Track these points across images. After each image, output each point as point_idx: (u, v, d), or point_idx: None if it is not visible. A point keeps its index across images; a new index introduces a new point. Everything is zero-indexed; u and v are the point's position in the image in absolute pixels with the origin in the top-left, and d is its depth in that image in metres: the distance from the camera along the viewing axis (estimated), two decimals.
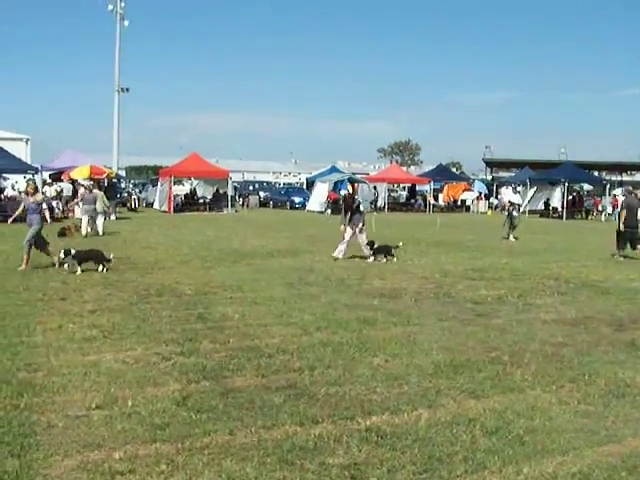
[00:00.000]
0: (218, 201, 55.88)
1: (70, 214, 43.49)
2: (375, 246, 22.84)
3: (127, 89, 72.00)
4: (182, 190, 61.95)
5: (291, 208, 62.24)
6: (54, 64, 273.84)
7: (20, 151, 56.19)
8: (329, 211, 54.35)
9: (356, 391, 8.92)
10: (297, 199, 64.20)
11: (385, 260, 22.55)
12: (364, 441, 7.27)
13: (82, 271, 18.42)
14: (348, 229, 23.30)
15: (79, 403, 8.34)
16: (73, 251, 18.56)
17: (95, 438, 7.25)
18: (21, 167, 44.68)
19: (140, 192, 66.89)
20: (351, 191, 56.05)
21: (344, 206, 24.00)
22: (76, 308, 14.04)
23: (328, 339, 11.56)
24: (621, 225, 25.77)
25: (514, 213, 32.50)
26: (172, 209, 52.06)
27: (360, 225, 23.31)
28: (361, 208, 24.06)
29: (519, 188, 36.58)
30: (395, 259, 22.64)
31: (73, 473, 6.42)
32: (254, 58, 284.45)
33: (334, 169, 68.56)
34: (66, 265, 18.20)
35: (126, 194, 62.96)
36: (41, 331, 12.06)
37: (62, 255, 18.66)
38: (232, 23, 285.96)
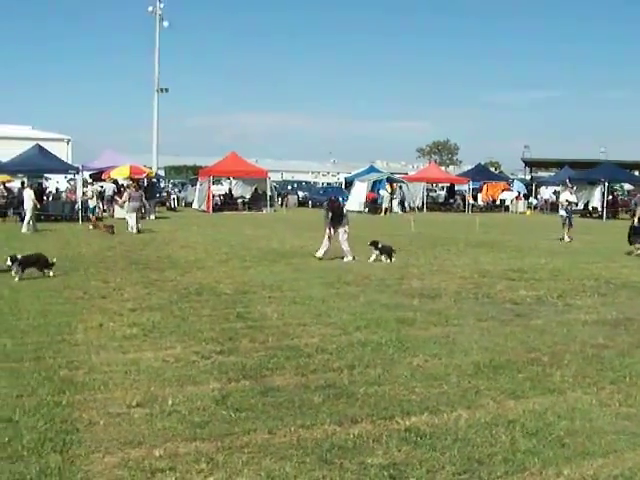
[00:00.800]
0: (257, 201, 55.98)
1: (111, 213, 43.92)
2: (380, 246, 22.53)
3: (166, 89, 72.47)
4: (221, 190, 62.12)
5: None
6: (94, 65, 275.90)
7: (61, 151, 56.83)
8: (367, 210, 54.30)
9: (395, 391, 8.89)
10: None
11: (388, 260, 22.13)
12: (403, 441, 7.24)
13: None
14: (329, 231, 23.13)
15: (120, 401, 8.41)
16: (19, 257, 18.02)
17: (136, 436, 7.30)
18: (63, 167, 45.16)
19: (179, 192, 67.17)
20: (389, 190, 56.60)
21: (329, 210, 23.48)
22: (116, 306, 14.16)
23: (367, 339, 11.54)
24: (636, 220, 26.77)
25: (568, 213, 32.07)
26: (211, 208, 52.25)
27: (345, 227, 23.08)
28: (344, 212, 24.24)
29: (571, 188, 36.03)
30: (394, 260, 22.21)
31: (114, 470, 6.47)
32: (293, 57, 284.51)
33: (372, 169, 68.41)
34: (13, 272, 17.65)
35: (165, 194, 63.35)
36: (82, 329, 12.18)
37: (9, 262, 17.78)
38: (270, 22, 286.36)
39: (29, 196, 34.64)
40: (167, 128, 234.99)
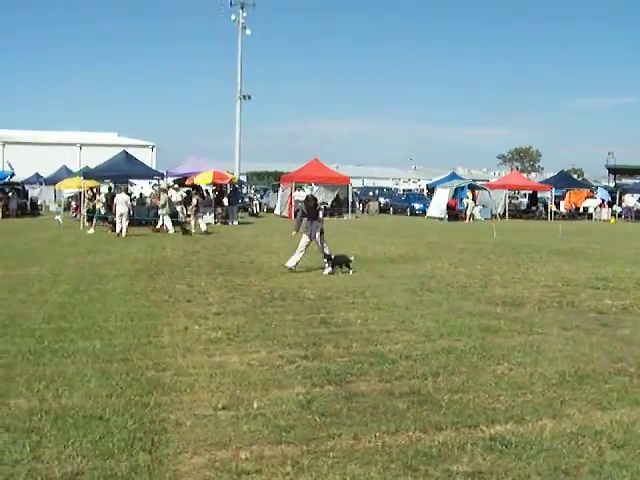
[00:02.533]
0: (338, 207, 56.13)
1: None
2: (332, 257, 20.73)
3: (249, 96, 73.25)
4: (302, 196, 62.37)
5: (411, 214, 62.10)
6: (178, 73, 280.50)
7: (146, 157, 57.83)
8: (447, 217, 54.03)
9: (480, 399, 8.81)
10: (417, 205, 64.00)
11: (342, 271, 20.43)
12: (488, 450, 7.16)
13: None
14: (304, 237, 21.35)
15: (206, 403, 8.51)
16: None
17: (222, 437, 7.38)
18: (148, 173, 46.03)
19: (261, 197, 67.76)
20: (471, 197, 56.19)
21: (303, 210, 22.00)
22: (201, 310, 14.34)
23: (451, 346, 11.46)
24: None
25: None
26: (293, 214, 52.49)
27: (318, 234, 21.27)
28: (320, 215, 22.21)
29: None
30: (351, 271, 20.43)
31: (202, 470, 6.56)
32: (374, 63, 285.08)
33: (454, 175, 68.12)
34: None
35: (247, 199, 63.92)
36: (168, 332, 12.37)
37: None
38: (352, 29, 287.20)
39: (124, 201, 35.70)
40: (249, 134, 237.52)
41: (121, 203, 35.59)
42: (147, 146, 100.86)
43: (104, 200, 39.71)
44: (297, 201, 55.97)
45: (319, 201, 58.35)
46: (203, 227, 37.20)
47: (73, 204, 53.32)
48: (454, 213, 54.55)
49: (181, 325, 12.85)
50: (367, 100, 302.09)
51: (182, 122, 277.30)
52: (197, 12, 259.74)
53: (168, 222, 37.22)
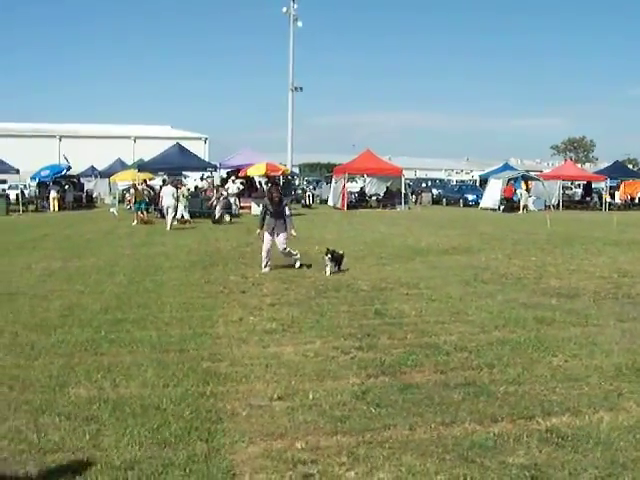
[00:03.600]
0: (391, 198, 55.98)
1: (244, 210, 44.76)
2: (333, 255, 18.53)
3: (301, 88, 73.21)
4: (355, 187, 62.42)
5: (464, 205, 61.73)
6: (230, 65, 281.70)
7: (199, 150, 58.22)
8: (502, 207, 53.58)
9: (535, 391, 8.75)
10: (470, 196, 63.60)
11: (338, 269, 18.64)
12: (544, 442, 7.11)
13: None
14: (266, 235, 19.11)
15: (262, 393, 8.57)
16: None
17: (278, 427, 7.42)
18: (201, 165, 46.40)
19: (314, 189, 67.84)
20: (524, 188, 55.53)
21: (266, 205, 19.54)
22: (255, 301, 14.42)
23: (506, 337, 11.39)
24: None
25: None
26: (345, 206, 52.51)
27: (283, 235, 19.10)
28: (287, 211, 19.76)
29: None
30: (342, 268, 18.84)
31: (258, 460, 6.61)
32: (428, 56, 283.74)
33: (507, 166, 67.69)
34: None
35: (300, 191, 64.06)
36: (223, 323, 12.46)
37: None
38: (404, 21, 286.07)
39: (171, 193, 35.28)
40: (302, 126, 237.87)
41: (167, 196, 35.33)
42: (200, 138, 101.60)
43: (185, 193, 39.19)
44: (350, 192, 56.11)
45: (372, 192, 58.87)
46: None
47: (127, 196, 53.91)
48: (510, 204, 53.95)
49: (236, 316, 12.94)
50: (421, 92, 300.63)
51: (234, 114, 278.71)
52: (248, 4, 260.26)
53: (186, 214, 37.20)
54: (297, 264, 19.27)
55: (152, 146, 70.02)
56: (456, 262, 20.97)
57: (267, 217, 19.26)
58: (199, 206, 41.41)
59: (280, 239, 19.02)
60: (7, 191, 56.85)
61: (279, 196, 19.42)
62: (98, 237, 30.23)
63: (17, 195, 54.09)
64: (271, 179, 40.25)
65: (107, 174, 65.55)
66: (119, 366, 9.63)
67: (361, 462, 6.56)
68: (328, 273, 18.12)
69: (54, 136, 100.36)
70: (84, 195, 61.32)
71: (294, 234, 19.52)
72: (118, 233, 32.04)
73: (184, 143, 48.11)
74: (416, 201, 63.59)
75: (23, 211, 50.95)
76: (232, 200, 44.13)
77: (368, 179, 62.40)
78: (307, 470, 6.39)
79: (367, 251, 23.52)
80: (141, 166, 46.16)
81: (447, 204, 64.64)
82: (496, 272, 18.81)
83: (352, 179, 62.45)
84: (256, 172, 48.30)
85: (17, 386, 8.85)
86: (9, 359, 10.10)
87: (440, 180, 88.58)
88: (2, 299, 14.73)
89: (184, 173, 55.07)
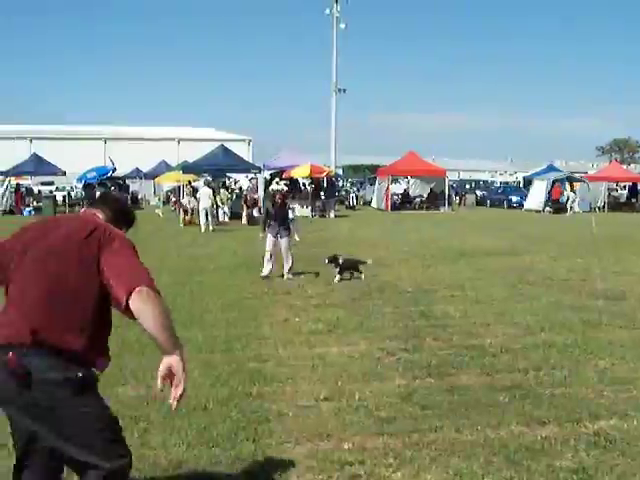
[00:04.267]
0: (434, 200, 55.82)
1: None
2: (340, 262, 17.77)
3: (344, 90, 73.14)
4: (399, 189, 62.28)
5: (508, 207, 61.29)
6: (273, 66, 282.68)
7: (243, 151, 58.41)
8: (548, 209, 53.15)
9: (582, 394, 8.66)
10: (514, 198, 63.10)
11: (350, 277, 17.85)
12: (592, 445, 7.04)
13: None
14: (269, 238, 18.51)
15: (308, 394, 8.60)
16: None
17: (324, 428, 7.44)
18: (246, 167, 46.53)
19: (358, 190, 67.85)
20: (569, 190, 55.07)
21: (268, 209, 19.12)
22: (300, 302, 14.48)
23: (552, 340, 11.30)
24: None
25: None
26: (389, 207, 52.45)
27: (285, 240, 18.53)
28: (291, 215, 19.20)
29: None
30: (362, 275, 17.91)
31: (305, 460, 6.62)
32: (471, 57, 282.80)
33: (551, 168, 66.92)
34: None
35: (344, 192, 64.12)
36: (268, 323, 12.52)
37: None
38: (448, 24, 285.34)
39: (207, 195, 34.99)
40: (345, 128, 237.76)
41: (204, 197, 34.90)
42: (243, 140, 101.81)
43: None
44: (394, 194, 56.04)
45: (415, 193, 58.72)
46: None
47: (172, 198, 54.28)
48: (556, 206, 53.45)
49: (281, 317, 13.01)
50: (464, 93, 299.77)
51: (278, 116, 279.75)
52: (292, 6, 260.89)
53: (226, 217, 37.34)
54: (289, 275, 18.17)
55: (196, 148, 70.27)
56: (501, 264, 20.86)
57: (271, 222, 18.49)
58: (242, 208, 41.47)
59: (284, 242, 18.42)
60: (54, 192, 57.40)
61: (283, 200, 19.02)
62: (143, 238, 30.34)
63: (64, 197, 54.72)
64: (287, 184, 40.50)
65: (152, 176, 66.06)
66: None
67: (408, 463, 6.56)
68: (336, 281, 17.23)
69: (100, 138, 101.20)
70: (129, 196, 61.84)
71: (297, 239, 19.10)
72: (163, 234, 32.23)
73: (228, 145, 48.22)
74: (460, 203, 63.35)
75: (70, 212, 51.47)
76: None
77: (412, 180, 62.17)
78: (354, 471, 6.40)
79: (411, 253, 23.47)
80: (186, 168, 46.40)
81: (491, 206, 64.25)
82: (541, 274, 18.68)
83: (396, 180, 62.30)
84: (300, 173, 48.40)
85: None
86: None
87: (484, 181, 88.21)
88: None
89: (228, 175, 55.32)
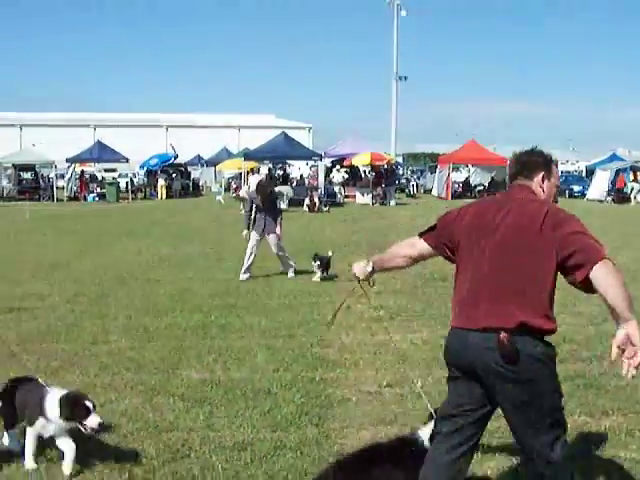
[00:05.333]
0: (495, 188, 55.33)
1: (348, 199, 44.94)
2: (321, 260, 16.35)
3: (405, 77, 73.03)
4: (459, 177, 61.90)
5: (570, 196, 60.48)
6: (333, 54, 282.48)
7: (303, 139, 58.55)
8: (610, 198, 52.37)
9: None
10: (576, 187, 62.29)
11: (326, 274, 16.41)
12: None
13: None
14: (253, 234, 16.54)
15: (371, 380, 8.66)
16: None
17: (387, 414, 7.50)
18: (306, 154, 46.66)
19: (418, 178, 67.64)
20: (632, 179, 54.17)
21: (253, 199, 16.88)
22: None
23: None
24: None
25: None
26: (450, 195, 52.16)
27: (275, 234, 16.56)
28: (278, 204, 17.80)
29: None
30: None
31: None
32: (532, 42, 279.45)
33: (614, 156, 65.92)
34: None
35: (404, 180, 63.96)
36: (331, 310, 12.55)
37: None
38: (506, 8, 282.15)
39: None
40: (405, 115, 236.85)
41: (254, 185, 34.52)
42: (304, 128, 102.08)
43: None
44: (454, 182, 55.71)
45: (476, 182, 58.28)
46: None
47: (233, 184, 54.65)
48: (620, 196, 52.61)
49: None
50: (525, 80, 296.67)
51: (338, 103, 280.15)
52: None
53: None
54: (290, 273, 16.68)
55: (256, 135, 70.91)
56: None
57: (257, 214, 16.50)
58: (304, 194, 41.60)
59: (272, 239, 16.55)
60: (117, 179, 58.17)
61: (270, 190, 17.19)
62: (205, 224, 30.79)
63: (127, 183, 55.45)
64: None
65: (213, 163, 66.60)
66: (229, 350, 9.87)
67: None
68: (317, 278, 16.00)
69: (161, 126, 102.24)
70: (191, 183, 62.38)
71: (278, 232, 16.63)
72: (224, 220, 32.48)
73: (288, 132, 48.37)
74: None
75: (132, 199, 52.17)
76: (337, 189, 44.39)
77: (472, 169, 61.75)
78: None
79: None
80: (247, 155, 46.66)
81: None
82: None
83: (456, 169, 61.92)
84: (361, 161, 48.39)
85: (132, 367, 9.14)
86: (124, 342, 10.42)
87: None
88: (116, 283, 15.19)
89: (288, 162, 55.51)
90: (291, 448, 6.54)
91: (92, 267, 17.75)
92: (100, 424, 5.94)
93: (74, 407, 5.89)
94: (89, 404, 5.94)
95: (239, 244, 17.33)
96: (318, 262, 16.12)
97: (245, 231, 16.98)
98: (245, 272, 16.05)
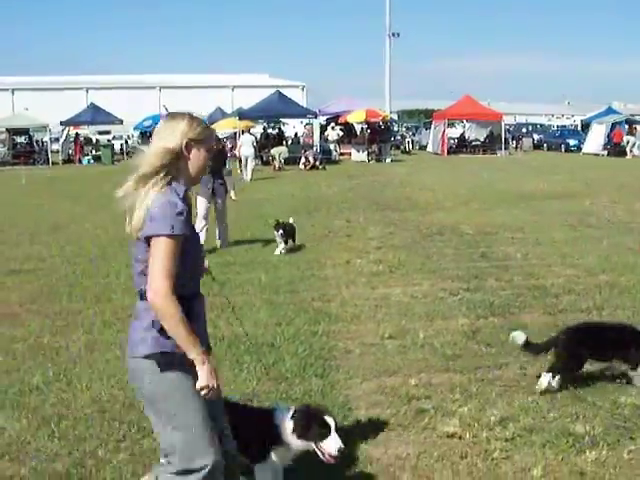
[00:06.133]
0: (491, 143, 55.26)
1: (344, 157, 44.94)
2: (284, 229, 14.06)
3: (397, 34, 72.44)
4: (455, 133, 61.70)
5: (566, 151, 60.37)
6: (325, 12, 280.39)
7: (297, 98, 58.29)
8: (607, 152, 52.27)
9: None
10: (572, 141, 62.07)
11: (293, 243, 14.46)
12: None
13: None
14: (200, 200, 14.38)
15: (373, 332, 8.75)
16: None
17: (390, 365, 7.59)
18: (301, 112, 46.50)
19: (413, 135, 67.46)
20: (628, 133, 54.08)
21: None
22: (361, 245, 14.58)
23: (614, 281, 11.24)
24: None
25: None
26: (445, 151, 52.08)
27: (224, 197, 14.95)
28: (228, 166, 16.63)
29: None
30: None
31: (373, 395, 6.78)
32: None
33: (610, 110, 65.68)
34: None
35: (399, 137, 63.81)
36: (330, 265, 12.66)
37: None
38: None
39: (250, 142, 34.11)
40: (398, 72, 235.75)
41: (246, 144, 33.98)
42: (297, 86, 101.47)
43: None
44: (450, 138, 55.54)
45: (472, 137, 58.17)
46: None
47: (228, 144, 54.55)
48: (617, 149, 52.46)
49: (343, 259, 13.12)
50: (518, 36, 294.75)
51: (331, 62, 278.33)
52: None
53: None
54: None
55: (250, 95, 70.29)
56: (560, 207, 20.66)
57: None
58: (299, 152, 41.51)
59: (220, 203, 14.82)
60: (112, 141, 57.95)
61: (219, 149, 14.82)
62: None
63: (121, 145, 55.27)
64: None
65: (207, 123, 66.27)
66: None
67: (474, 398, 6.68)
68: (280, 252, 13.85)
69: (154, 87, 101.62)
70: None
71: (234, 197, 15.81)
72: None
73: (282, 91, 48.14)
74: (516, 146, 62.60)
75: (127, 160, 51.95)
76: (332, 146, 44.31)
77: (468, 124, 61.52)
78: (421, 405, 6.53)
79: (470, 196, 23.36)
80: (242, 114, 46.45)
81: (548, 149, 63.28)
82: (601, 217, 18.49)
83: (452, 125, 61.68)
84: (356, 118, 48.21)
85: None
86: (127, 300, 10.38)
87: (541, 125, 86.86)
88: (115, 244, 15.17)
89: (283, 120, 55.33)
90: (297, 399, 6.59)
91: (91, 228, 17.78)
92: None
93: None
94: None
95: (237, 203, 17.30)
96: (281, 231, 13.92)
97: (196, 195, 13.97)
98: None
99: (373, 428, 6.08)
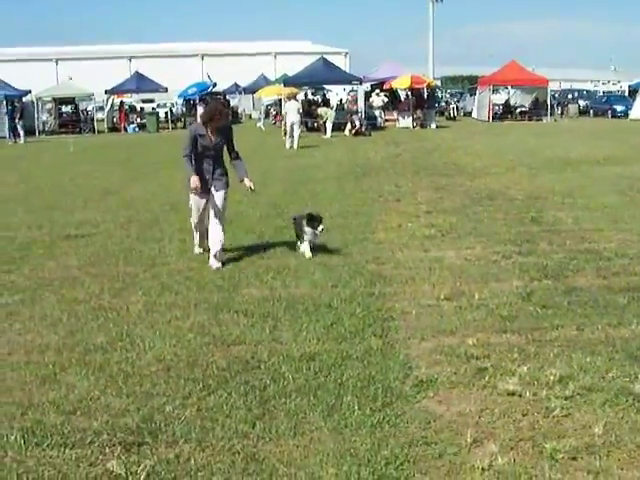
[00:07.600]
0: (536, 110, 54.74)
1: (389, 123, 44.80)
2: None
3: None
4: (500, 99, 61.17)
5: (612, 117, 59.66)
6: None
7: (340, 64, 58.11)
8: None
9: None
10: (619, 107, 61.25)
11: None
12: None
13: None
14: (194, 198, 10.82)
15: (428, 294, 8.82)
16: None
17: (447, 325, 7.66)
18: (346, 78, 46.45)
19: (458, 101, 67.03)
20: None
21: (196, 135, 10.55)
22: (411, 209, 14.63)
23: None
24: None
25: None
26: (490, 118, 51.70)
27: (224, 191, 10.83)
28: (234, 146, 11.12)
29: None
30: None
31: (432, 355, 6.86)
32: None
33: None
34: None
35: (444, 103, 63.48)
36: (382, 229, 12.73)
37: None
38: None
39: (296, 109, 33.03)
40: (442, 38, 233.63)
41: (292, 111, 32.79)
42: (340, 53, 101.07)
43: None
44: (495, 104, 55.08)
45: (517, 103, 57.62)
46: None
47: (272, 111, 54.60)
48: None
49: (394, 223, 13.19)
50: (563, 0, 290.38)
51: (374, 27, 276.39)
52: None
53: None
54: (213, 262, 10.44)
55: (293, 62, 70.25)
56: (609, 172, 20.49)
57: (202, 160, 10.65)
58: (345, 119, 41.42)
59: (219, 198, 10.75)
60: (156, 109, 58.27)
61: (225, 121, 11.15)
62: (249, 150, 30.73)
63: (166, 113, 55.66)
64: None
65: (251, 90, 66.46)
66: (286, 268, 10.05)
67: (532, 358, 6.71)
68: (307, 253, 10.78)
69: (197, 55, 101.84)
70: (230, 111, 62.30)
71: (251, 185, 11.32)
72: (267, 147, 32.55)
73: (325, 58, 48.11)
74: (562, 113, 61.95)
75: (172, 128, 52.20)
76: (377, 113, 44.21)
77: (512, 90, 60.91)
78: (480, 364, 6.59)
79: (517, 162, 23.24)
80: (286, 81, 46.45)
81: (594, 116, 62.58)
82: None
83: (496, 91, 61.15)
84: (401, 84, 48.00)
85: (194, 287, 9.37)
86: (182, 263, 10.65)
87: (587, 91, 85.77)
88: (167, 209, 15.40)
89: (327, 87, 55.25)
90: (357, 358, 6.72)
91: (142, 194, 18.01)
92: None
93: None
94: None
95: (285, 169, 17.43)
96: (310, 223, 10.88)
97: (193, 177, 10.42)
98: (200, 246, 11.37)
99: (434, 386, 6.16)
